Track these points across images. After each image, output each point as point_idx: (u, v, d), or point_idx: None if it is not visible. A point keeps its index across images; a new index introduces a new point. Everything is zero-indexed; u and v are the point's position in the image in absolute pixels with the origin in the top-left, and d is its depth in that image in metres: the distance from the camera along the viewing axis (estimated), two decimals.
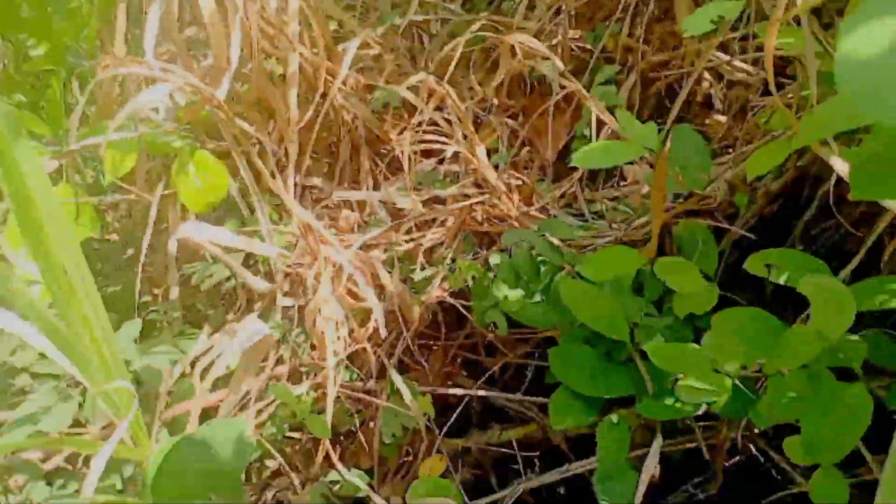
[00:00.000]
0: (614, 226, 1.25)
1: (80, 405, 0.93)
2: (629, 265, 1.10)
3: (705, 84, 1.62)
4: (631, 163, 1.43)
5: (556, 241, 1.14)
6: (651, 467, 1.01)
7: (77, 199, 1.12)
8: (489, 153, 1.49)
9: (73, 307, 0.79)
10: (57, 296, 0.79)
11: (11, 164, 0.75)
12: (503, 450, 1.28)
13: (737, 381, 0.98)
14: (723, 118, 1.56)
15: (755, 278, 1.16)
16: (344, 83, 1.47)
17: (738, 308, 1.09)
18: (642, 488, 1.02)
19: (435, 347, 1.35)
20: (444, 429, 1.21)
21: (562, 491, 1.37)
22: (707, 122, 1.67)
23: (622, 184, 1.50)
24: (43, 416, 0.88)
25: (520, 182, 1.32)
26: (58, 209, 0.80)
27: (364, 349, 1.13)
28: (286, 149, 1.31)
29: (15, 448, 0.89)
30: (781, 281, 1.09)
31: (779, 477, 1.22)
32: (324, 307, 1.04)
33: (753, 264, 1.13)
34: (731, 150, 1.47)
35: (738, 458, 1.23)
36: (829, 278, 1.01)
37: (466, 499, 1.14)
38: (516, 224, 1.22)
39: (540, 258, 1.13)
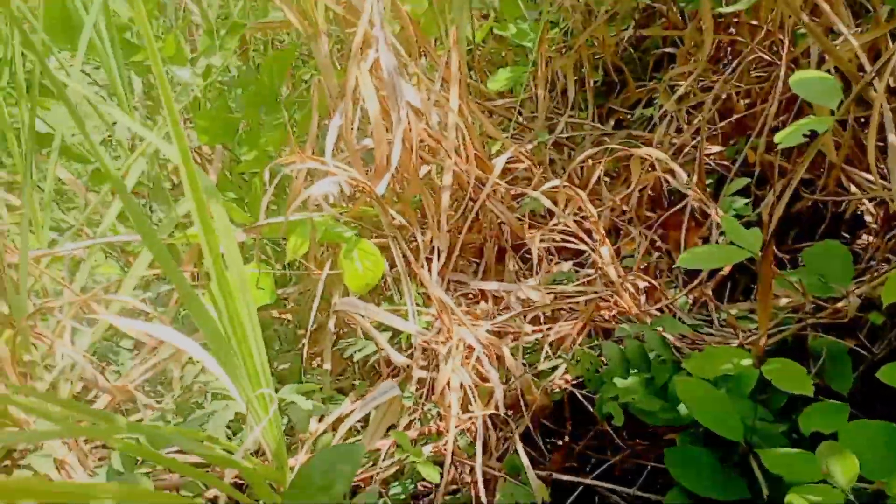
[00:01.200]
0: (740, 333, 1.26)
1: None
2: (737, 364, 1.11)
3: (853, 202, 1.61)
4: None
5: (669, 338, 1.18)
6: None
7: (259, 270, 1.35)
8: (625, 259, 1.57)
9: (236, 331, 0.96)
10: (225, 324, 0.97)
11: (210, 235, 0.97)
12: None
13: (850, 497, 0.94)
14: (871, 238, 1.54)
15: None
16: (494, 191, 1.64)
17: (867, 421, 1.07)
18: None
19: (559, 444, 1.40)
20: None
21: None
22: (858, 241, 1.65)
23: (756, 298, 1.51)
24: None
25: (648, 284, 1.39)
26: (241, 270, 1.01)
27: (487, 427, 1.22)
28: (436, 243, 1.48)
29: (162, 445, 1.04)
30: None
31: None
32: (452, 379, 1.16)
33: (888, 374, 1.10)
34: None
35: None
36: None
37: None
38: (638, 321, 1.28)
39: (654, 353, 1.17)
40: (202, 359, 1.03)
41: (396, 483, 1.18)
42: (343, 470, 0.90)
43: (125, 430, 0.80)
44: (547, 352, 1.32)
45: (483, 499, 1.08)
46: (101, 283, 1.76)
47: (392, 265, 1.51)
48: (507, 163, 1.65)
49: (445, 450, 1.13)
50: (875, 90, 1.31)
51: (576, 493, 1.26)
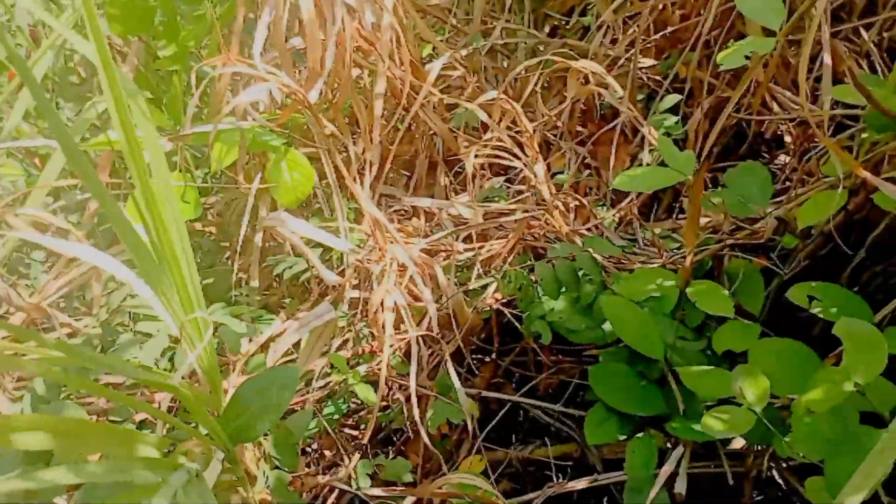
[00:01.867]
0: (664, 253, 1.31)
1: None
2: (662, 286, 1.16)
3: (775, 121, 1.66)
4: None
5: (599, 258, 1.22)
6: (667, 473, 1.07)
7: (185, 183, 1.29)
8: (555, 175, 1.58)
9: (166, 250, 0.92)
10: (154, 242, 0.92)
11: (133, 142, 0.90)
12: (543, 459, 1.34)
13: (760, 415, 1.01)
14: (789, 158, 1.60)
15: (804, 321, 1.18)
16: (427, 101, 1.59)
17: (777, 339, 1.14)
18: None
19: (487, 360, 1.44)
20: (485, 432, 1.29)
21: None
22: (775, 161, 1.70)
23: (681, 217, 1.56)
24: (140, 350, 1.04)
25: (578, 203, 1.40)
26: (168, 182, 0.95)
27: (418, 345, 1.24)
28: (367, 156, 1.44)
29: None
30: (822, 315, 1.12)
31: None
32: (385, 300, 1.16)
33: (796, 294, 1.16)
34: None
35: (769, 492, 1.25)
36: (863, 322, 1.03)
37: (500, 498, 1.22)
38: (568, 241, 1.30)
39: (583, 273, 1.21)
40: (128, 280, 0.98)
41: (329, 403, 1.20)
42: (279, 394, 0.90)
43: (61, 360, 0.75)
44: (478, 270, 1.33)
45: (416, 417, 1.11)
46: (6, 188, 1.64)
47: (322, 177, 1.46)
48: (439, 69, 1.59)
49: (379, 369, 1.15)
50: (815, 9, 1.31)
51: (503, 410, 1.31)
